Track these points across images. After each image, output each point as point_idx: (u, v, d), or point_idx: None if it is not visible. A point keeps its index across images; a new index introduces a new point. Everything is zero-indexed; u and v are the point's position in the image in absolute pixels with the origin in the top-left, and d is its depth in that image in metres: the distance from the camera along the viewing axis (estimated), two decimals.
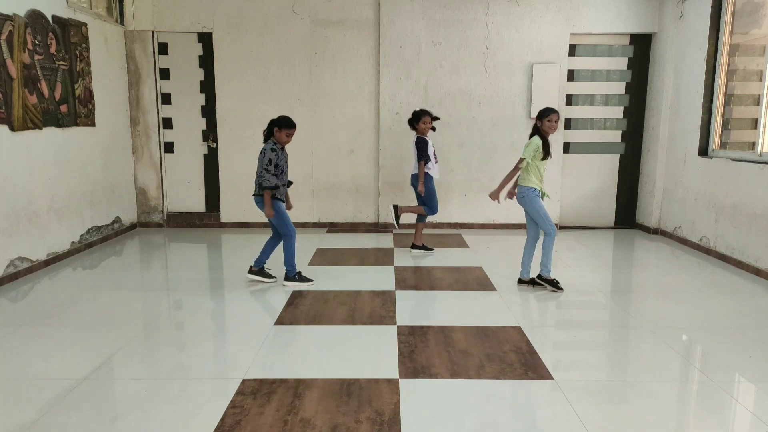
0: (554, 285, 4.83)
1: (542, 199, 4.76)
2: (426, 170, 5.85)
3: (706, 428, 2.83)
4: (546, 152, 4.67)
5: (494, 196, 4.88)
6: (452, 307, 4.44)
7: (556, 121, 4.66)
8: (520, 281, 5.01)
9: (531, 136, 4.76)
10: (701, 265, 5.83)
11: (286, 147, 4.92)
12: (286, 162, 4.89)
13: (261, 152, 4.74)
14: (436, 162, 5.96)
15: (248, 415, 2.79)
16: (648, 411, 2.88)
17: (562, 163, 7.48)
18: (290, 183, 5.00)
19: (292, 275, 4.93)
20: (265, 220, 5.08)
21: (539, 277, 4.89)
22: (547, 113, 4.67)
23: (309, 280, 4.97)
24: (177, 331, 4.01)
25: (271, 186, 4.68)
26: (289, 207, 4.98)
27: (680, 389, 3.20)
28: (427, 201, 5.98)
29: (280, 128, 4.74)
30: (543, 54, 7.25)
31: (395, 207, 6.16)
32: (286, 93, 7.35)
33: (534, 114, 7.24)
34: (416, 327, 3.98)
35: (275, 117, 4.81)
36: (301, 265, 5.61)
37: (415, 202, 6.25)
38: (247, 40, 7.23)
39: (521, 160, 4.69)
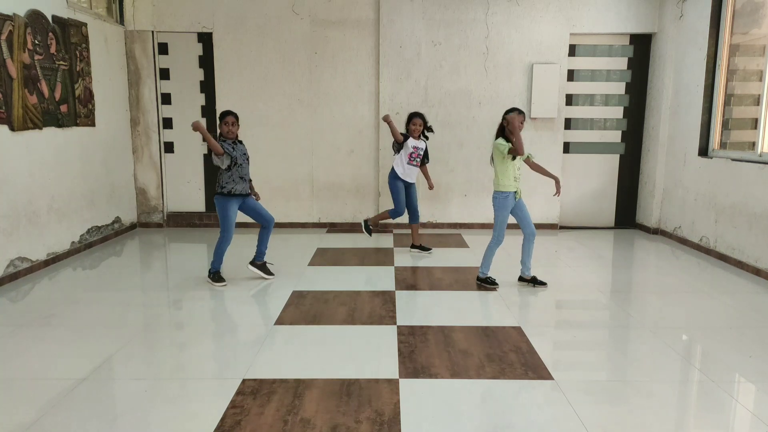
0: (488, 282, 4.93)
1: (516, 199, 4.75)
2: (395, 167, 5.87)
3: (706, 428, 2.83)
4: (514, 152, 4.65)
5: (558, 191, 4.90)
6: (452, 307, 4.44)
7: (521, 122, 4.60)
8: (521, 279, 5.02)
9: (497, 136, 4.73)
10: (701, 265, 5.83)
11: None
12: (244, 155, 4.91)
13: None
14: (411, 164, 5.85)
15: (248, 415, 2.79)
16: (648, 411, 2.88)
17: (562, 163, 7.48)
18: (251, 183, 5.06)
19: (211, 271, 4.98)
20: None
21: (477, 278, 5.01)
22: (511, 112, 4.62)
23: (222, 282, 4.94)
24: (177, 331, 4.01)
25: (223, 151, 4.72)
26: (257, 198, 5.09)
27: (680, 389, 3.20)
28: (393, 199, 5.97)
29: (219, 120, 4.83)
30: (543, 54, 7.25)
31: (415, 247, 6.24)
32: (286, 93, 7.35)
33: (534, 114, 7.25)
34: (416, 327, 3.98)
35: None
36: (301, 265, 5.62)
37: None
38: (247, 40, 7.23)
39: (509, 155, 4.66)
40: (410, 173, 5.89)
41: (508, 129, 4.62)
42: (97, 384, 3.13)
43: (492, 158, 4.85)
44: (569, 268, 5.66)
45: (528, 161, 4.86)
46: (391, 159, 7.32)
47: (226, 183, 4.82)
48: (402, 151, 5.86)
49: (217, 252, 4.95)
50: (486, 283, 4.94)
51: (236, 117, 4.87)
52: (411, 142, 5.82)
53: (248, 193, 4.96)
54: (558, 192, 4.90)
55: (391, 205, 6.20)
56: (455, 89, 7.33)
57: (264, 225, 5.07)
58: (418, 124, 5.82)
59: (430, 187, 6.15)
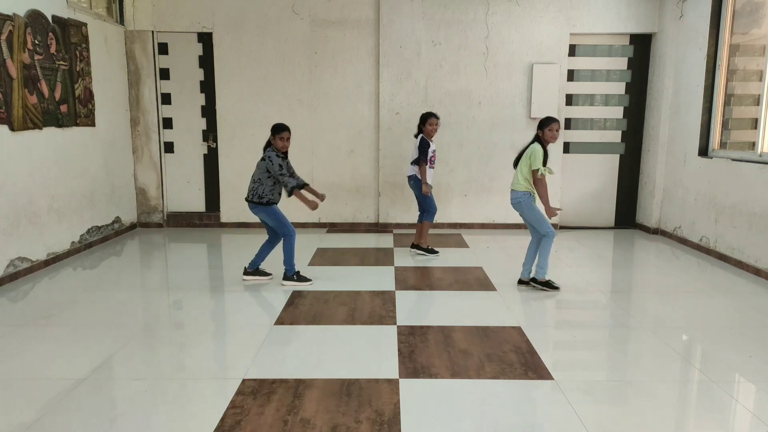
0: (549, 286, 4.85)
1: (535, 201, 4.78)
2: (415, 172, 5.83)
3: (706, 428, 2.83)
4: (545, 160, 4.67)
5: (551, 212, 4.75)
6: (452, 307, 4.44)
7: (557, 130, 4.63)
8: (520, 282, 5.01)
9: (531, 142, 4.72)
10: (701, 265, 5.83)
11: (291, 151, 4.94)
12: (288, 170, 4.91)
13: (263, 159, 4.78)
14: (431, 167, 5.85)
15: (248, 415, 2.79)
16: (648, 411, 2.88)
17: (562, 163, 7.48)
18: (306, 184, 5.01)
19: (291, 274, 4.95)
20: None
21: (533, 280, 4.91)
22: (548, 122, 4.64)
23: (307, 280, 4.98)
24: (177, 331, 4.01)
25: (293, 185, 4.75)
26: (322, 198, 5.01)
27: (680, 389, 3.20)
28: (424, 204, 5.95)
29: (273, 134, 4.80)
30: (543, 54, 7.25)
31: (415, 246, 6.12)
32: (286, 93, 7.35)
33: (534, 114, 7.25)
34: (416, 327, 3.98)
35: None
36: (301, 265, 5.62)
37: (413, 204, 6.22)
38: (247, 40, 7.23)
39: (536, 171, 4.60)
40: (433, 174, 5.95)
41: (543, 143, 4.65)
42: (97, 384, 3.13)
43: (518, 161, 4.78)
44: (569, 268, 5.66)
45: (541, 177, 4.70)
46: (391, 158, 7.38)
47: (266, 194, 4.82)
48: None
49: (289, 251, 4.89)
50: (547, 286, 4.86)
51: (290, 131, 4.87)
52: (432, 147, 5.78)
53: (276, 200, 4.96)
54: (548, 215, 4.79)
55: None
56: (455, 89, 7.33)
57: (271, 239, 5.05)
58: (435, 123, 5.73)
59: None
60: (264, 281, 5.07)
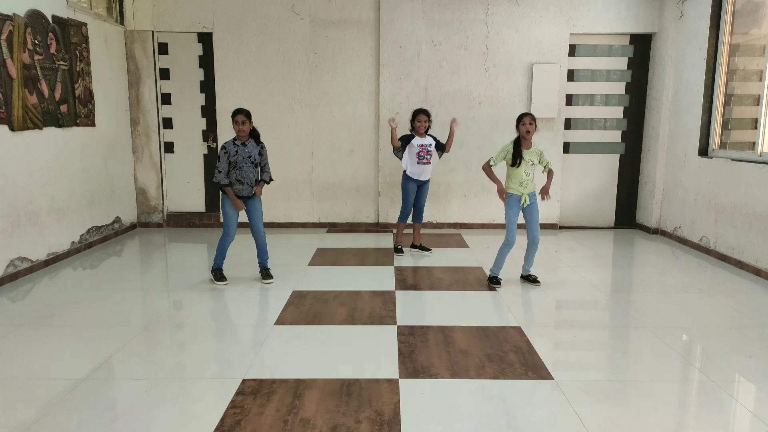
0: (493, 282, 4.95)
1: (523, 205, 4.78)
2: (405, 168, 5.84)
3: (706, 428, 2.83)
4: (515, 160, 4.69)
5: (545, 192, 4.85)
6: (452, 307, 4.44)
7: (530, 123, 4.69)
8: (522, 277, 5.05)
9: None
10: (701, 265, 5.82)
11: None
12: (248, 158, 4.76)
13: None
14: (422, 163, 5.75)
15: (248, 415, 2.79)
16: (648, 411, 2.88)
17: (562, 163, 7.48)
18: (271, 180, 4.99)
19: (212, 270, 5.00)
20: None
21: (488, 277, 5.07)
22: (521, 118, 4.73)
23: (223, 281, 4.94)
24: (177, 331, 4.01)
25: (218, 182, 4.75)
26: (258, 194, 4.92)
27: (680, 389, 3.20)
28: (402, 200, 5.96)
29: (232, 119, 4.74)
30: (543, 54, 7.25)
31: (415, 246, 6.27)
32: (286, 93, 7.35)
33: (535, 114, 7.23)
34: (416, 327, 3.98)
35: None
36: (301, 265, 5.62)
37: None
38: (247, 40, 7.23)
39: (490, 160, 4.84)
40: (422, 172, 5.81)
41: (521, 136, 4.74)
42: (97, 384, 3.13)
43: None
44: (569, 268, 5.66)
45: (491, 165, 4.87)
46: (391, 159, 7.38)
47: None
48: (407, 153, 5.79)
49: (219, 248, 4.93)
50: (492, 282, 4.96)
51: (247, 115, 4.70)
52: (416, 141, 5.74)
53: (250, 195, 4.88)
54: (543, 196, 4.82)
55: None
56: (455, 89, 7.33)
57: (253, 235, 5.01)
58: (423, 120, 5.73)
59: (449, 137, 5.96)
60: (268, 283, 5.07)
